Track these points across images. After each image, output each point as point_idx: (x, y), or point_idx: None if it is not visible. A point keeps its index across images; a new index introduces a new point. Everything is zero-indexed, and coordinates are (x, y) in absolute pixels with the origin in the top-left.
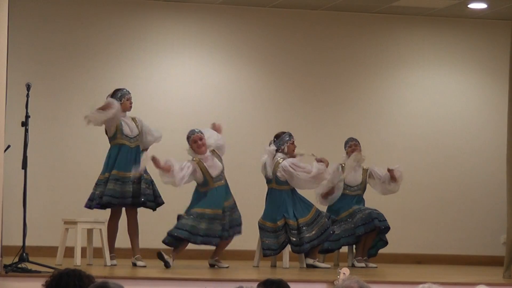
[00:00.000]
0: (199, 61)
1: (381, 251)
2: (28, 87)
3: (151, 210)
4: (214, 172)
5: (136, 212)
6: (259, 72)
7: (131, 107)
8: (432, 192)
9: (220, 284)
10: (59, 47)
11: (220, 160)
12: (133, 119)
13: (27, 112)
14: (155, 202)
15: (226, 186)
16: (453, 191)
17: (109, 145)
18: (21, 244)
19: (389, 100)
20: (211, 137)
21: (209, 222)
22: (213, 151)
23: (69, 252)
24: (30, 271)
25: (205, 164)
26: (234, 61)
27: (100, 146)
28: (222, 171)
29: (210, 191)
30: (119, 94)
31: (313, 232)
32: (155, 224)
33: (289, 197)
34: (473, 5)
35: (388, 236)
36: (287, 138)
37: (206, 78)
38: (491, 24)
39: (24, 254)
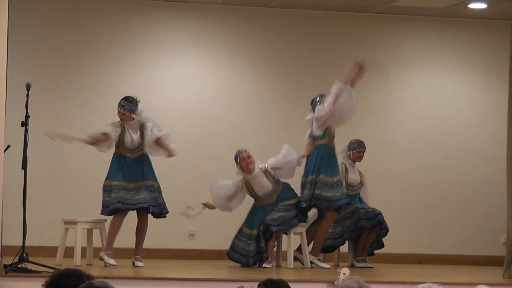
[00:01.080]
0: (199, 61)
1: (381, 251)
2: (28, 87)
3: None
4: (260, 192)
5: (148, 216)
6: (259, 72)
7: (123, 114)
8: (432, 192)
9: (220, 284)
10: (59, 47)
11: (273, 179)
12: (141, 125)
13: (27, 112)
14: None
15: (277, 202)
16: (453, 191)
17: None
18: (21, 244)
19: (389, 100)
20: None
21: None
22: (265, 171)
23: (69, 252)
24: (30, 271)
25: (251, 183)
26: (234, 61)
27: None
28: (272, 191)
29: (258, 208)
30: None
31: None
32: (154, 224)
33: None
34: (473, 5)
35: (388, 236)
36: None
37: (206, 78)
38: (491, 24)
39: (24, 254)
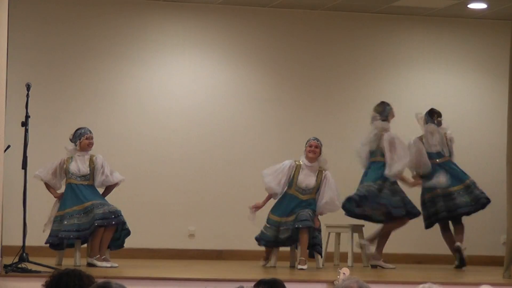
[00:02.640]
0: (199, 61)
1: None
2: (28, 87)
3: (149, 211)
4: (300, 182)
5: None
6: (259, 72)
7: (89, 145)
8: None
9: (220, 284)
10: (59, 47)
11: (318, 186)
12: (91, 156)
13: (27, 112)
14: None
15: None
16: None
17: (108, 146)
18: (21, 244)
19: (388, 100)
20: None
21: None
22: (323, 175)
23: (69, 252)
24: (30, 271)
25: (301, 171)
26: (234, 61)
27: (99, 146)
28: (311, 189)
29: (287, 196)
30: (78, 134)
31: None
32: (154, 224)
33: None
34: (473, 5)
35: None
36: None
37: (206, 78)
38: (491, 24)
39: (24, 254)
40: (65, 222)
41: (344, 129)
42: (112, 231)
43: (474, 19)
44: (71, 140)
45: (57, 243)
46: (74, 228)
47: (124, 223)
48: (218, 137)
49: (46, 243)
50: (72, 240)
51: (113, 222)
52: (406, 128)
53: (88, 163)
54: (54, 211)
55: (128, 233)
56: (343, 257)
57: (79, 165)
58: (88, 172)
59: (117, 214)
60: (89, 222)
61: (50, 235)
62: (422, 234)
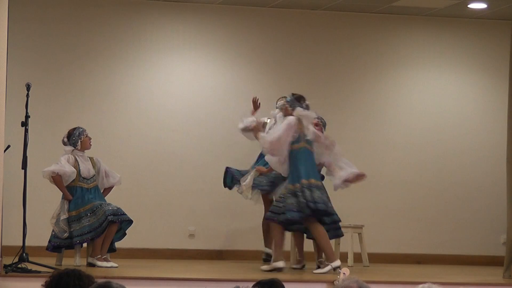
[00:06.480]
0: (199, 61)
1: (381, 251)
2: (28, 87)
3: (149, 211)
4: None
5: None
6: (259, 72)
7: (90, 144)
8: (432, 192)
9: (220, 284)
10: (59, 47)
11: None
12: (91, 159)
13: (27, 112)
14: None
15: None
16: (453, 191)
17: (108, 146)
18: (21, 244)
19: (388, 100)
20: None
21: None
22: None
23: (69, 252)
24: (30, 271)
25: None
26: (234, 61)
27: (99, 146)
28: None
29: None
30: (77, 133)
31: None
32: (154, 224)
33: None
34: (473, 5)
35: (388, 236)
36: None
37: (206, 78)
38: (491, 24)
39: (24, 254)
40: (74, 226)
41: (344, 129)
42: (115, 228)
43: (474, 19)
44: (67, 142)
45: (67, 245)
46: (86, 230)
47: (131, 221)
48: (218, 137)
49: (60, 247)
50: (87, 241)
51: (126, 219)
52: (405, 128)
53: (91, 164)
54: (63, 212)
55: (129, 222)
56: (343, 257)
57: (89, 167)
58: (94, 173)
59: (123, 212)
60: (100, 219)
61: (60, 237)
62: (422, 234)
